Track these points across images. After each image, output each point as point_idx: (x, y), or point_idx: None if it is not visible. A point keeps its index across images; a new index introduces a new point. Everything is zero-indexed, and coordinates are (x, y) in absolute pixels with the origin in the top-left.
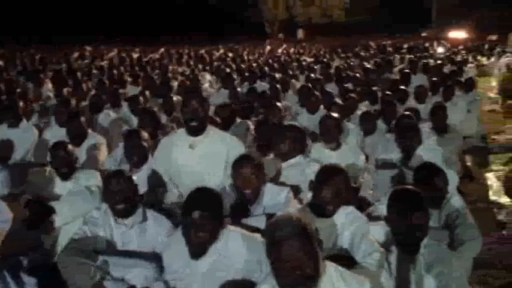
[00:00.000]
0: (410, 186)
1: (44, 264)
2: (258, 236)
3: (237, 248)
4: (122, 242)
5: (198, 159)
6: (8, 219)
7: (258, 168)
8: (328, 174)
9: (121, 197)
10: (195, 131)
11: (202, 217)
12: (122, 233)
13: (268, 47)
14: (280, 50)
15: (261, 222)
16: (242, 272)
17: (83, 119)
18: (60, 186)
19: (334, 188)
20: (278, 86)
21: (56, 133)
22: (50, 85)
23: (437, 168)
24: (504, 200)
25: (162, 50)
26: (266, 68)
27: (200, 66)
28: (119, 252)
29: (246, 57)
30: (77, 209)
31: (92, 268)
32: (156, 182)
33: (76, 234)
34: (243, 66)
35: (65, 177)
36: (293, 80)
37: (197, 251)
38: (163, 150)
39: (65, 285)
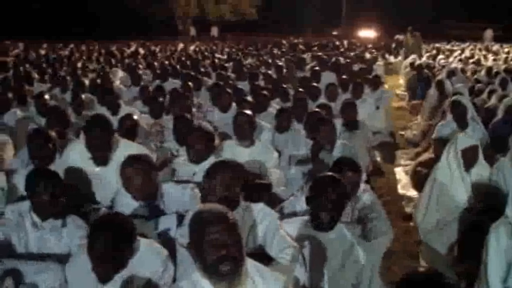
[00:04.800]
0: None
1: None
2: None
3: (145, 267)
4: (37, 246)
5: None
6: None
7: (146, 170)
8: (220, 168)
9: (47, 196)
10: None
11: (107, 251)
12: (38, 236)
13: (181, 45)
14: (192, 48)
15: (170, 222)
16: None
17: None
18: None
19: (220, 181)
20: (190, 83)
21: None
22: None
23: (353, 162)
24: (411, 193)
25: (72, 46)
26: (178, 66)
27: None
28: (32, 255)
29: (157, 54)
30: None
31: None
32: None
33: None
34: (155, 63)
35: None
36: (205, 78)
37: (103, 279)
38: None
39: None
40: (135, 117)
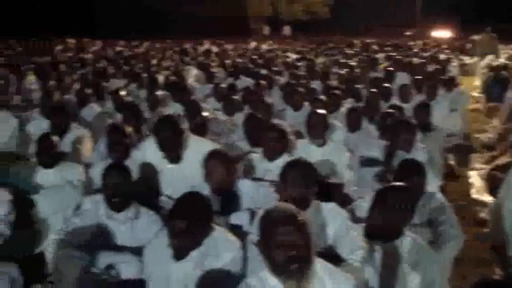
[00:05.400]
0: (397, 184)
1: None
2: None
3: (219, 251)
4: (112, 236)
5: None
6: None
7: (229, 164)
8: (292, 168)
9: (117, 190)
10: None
11: (186, 225)
12: (112, 227)
13: (254, 43)
14: (265, 46)
15: (243, 218)
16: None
17: (67, 112)
18: (43, 178)
19: (294, 181)
20: (263, 82)
21: (39, 125)
22: (32, 78)
23: (418, 165)
24: (485, 198)
25: (147, 43)
26: (250, 64)
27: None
28: (108, 246)
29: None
30: (58, 203)
31: (81, 261)
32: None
33: (66, 226)
34: (227, 61)
35: (49, 167)
36: (277, 77)
37: (179, 254)
38: None
39: (49, 276)
40: (206, 113)
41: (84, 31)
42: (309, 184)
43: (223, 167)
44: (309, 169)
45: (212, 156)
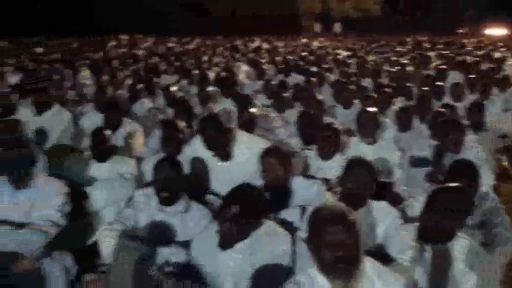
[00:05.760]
0: (451, 185)
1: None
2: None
3: (268, 245)
4: (162, 229)
5: None
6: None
7: (285, 161)
8: (355, 166)
9: (167, 184)
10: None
11: (237, 212)
12: (163, 220)
13: (304, 40)
14: (315, 44)
15: (294, 215)
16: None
17: (120, 106)
18: (96, 171)
19: (359, 179)
20: (313, 79)
21: (92, 120)
22: (87, 73)
23: (470, 165)
24: None
25: (198, 40)
26: (301, 61)
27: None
28: (159, 238)
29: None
30: (111, 195)
31: (135, 252)
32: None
33: (119, 219)
34: (278, 58)
35: (102, 160)
36: (328, 74)
37: (225, 242)
38: None
39: (101, 266)
40: (255, 110)
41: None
42: (368, 184)
43: (280, 163)
44: (370, 169)
45: (269, 153)
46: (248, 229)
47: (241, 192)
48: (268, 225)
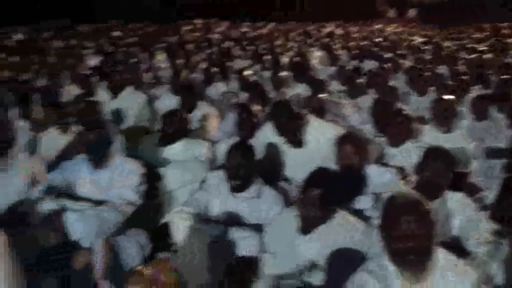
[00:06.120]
0: None
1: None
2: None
3: (340, 233)
4: (234, 212)
5: None
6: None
7: (361, 148)
8: (433, 156)
9: (240, 168)
10: None
11: (319, 195)
12: (235, 204)
13: (378, 26)
14: (390, 29)
15: (367, 203)
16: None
17: (194, 90)
18: (170, 152)
19: (438, 169)
20: (387, 65)
21: (167, 102)
22: (162, 56)
23: None
24: None
25: (271, 25)
26: (375, 47)
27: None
28: (231, 221)
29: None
30: (184, 177)
31: (207, 234)
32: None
33: (192, 199)
34: (351, 43)
35: (176, 142)
36: (402, 60)
37: (307, 226)
38: None
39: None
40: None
41: None
42: (445, 174)
43: (355, 150)
44: (448, 158)
45: (344, 139)
46: (328, 214)
47: (322, 177)
48: (342, 213)
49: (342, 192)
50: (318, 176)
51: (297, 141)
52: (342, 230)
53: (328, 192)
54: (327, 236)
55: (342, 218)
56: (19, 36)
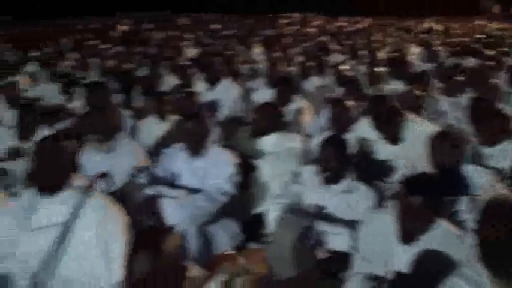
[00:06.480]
0: None
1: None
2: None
3: (441, 244)
4: (326, 207)
5: None
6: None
7: (457, 147)
8: None
9: (332, 163)
10: None
11: (421, 203)
12: (327, 197)
13: (480, 22)
14: (493, 26)
15: (462, 205)
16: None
17: (290, 83)
18: (265, 144)
19: None
20: (489, 63)
21: (263, 94)
22: (260, 49)
23: None
24: None
25: (369, 20)
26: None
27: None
28: (323, 215)
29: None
30: (278, 169)
31: (299, 227)
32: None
33: (285, 192)
34: (450, 40)
35: (270, 134)
36: (506, 58)
37: (409, 236)
38: None
39: (265, 237)
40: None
41: None
42: None
43: (451, 150)
44: None
45: (441, 137)
46: (429, 223)
47: (423, 183)
48: (443, 224)
49: (443, 200)
50: (419, 182)
51: (394, 138)
52: (443, 241)
53: (431, 201)
54: (427, 246)
55: (443, 228)
56: (123, 27)
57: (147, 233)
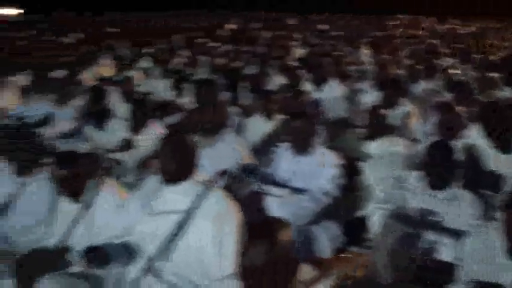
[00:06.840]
0: None
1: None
2: None
3: None
4: (432, 215)
5: None
6: None
7: None
8: None
9: (438, 169)
10: None
11: None
12: (432, 204)
13: None
14: None
15: None
16: None
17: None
18: (370, 147)
19: None
20: None
21: (370, 97)
22: (368, 51)
23: None
24: None
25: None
26: None
27: None
28: (430, 224)
29: None
30: (383, 173)
31: (399, 231)
32: None
33: (389, 196)
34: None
35: (377, 138)
36: None
37: None
38: None
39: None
40: None
41: None
42: None
43: None
44: None
45: None
46: None
47: None
48: None
49: None
50: None
51: (506, 147)
52: None
53: None
54: None
55: None
56: (231, 26)
57: (261, 225)
